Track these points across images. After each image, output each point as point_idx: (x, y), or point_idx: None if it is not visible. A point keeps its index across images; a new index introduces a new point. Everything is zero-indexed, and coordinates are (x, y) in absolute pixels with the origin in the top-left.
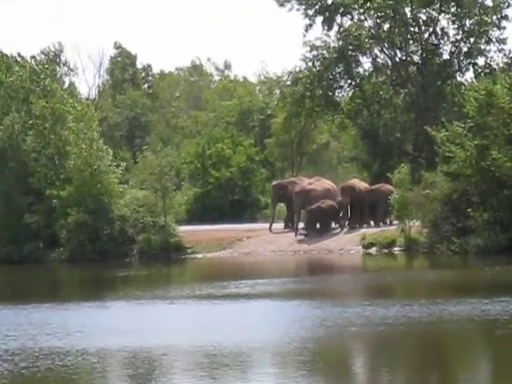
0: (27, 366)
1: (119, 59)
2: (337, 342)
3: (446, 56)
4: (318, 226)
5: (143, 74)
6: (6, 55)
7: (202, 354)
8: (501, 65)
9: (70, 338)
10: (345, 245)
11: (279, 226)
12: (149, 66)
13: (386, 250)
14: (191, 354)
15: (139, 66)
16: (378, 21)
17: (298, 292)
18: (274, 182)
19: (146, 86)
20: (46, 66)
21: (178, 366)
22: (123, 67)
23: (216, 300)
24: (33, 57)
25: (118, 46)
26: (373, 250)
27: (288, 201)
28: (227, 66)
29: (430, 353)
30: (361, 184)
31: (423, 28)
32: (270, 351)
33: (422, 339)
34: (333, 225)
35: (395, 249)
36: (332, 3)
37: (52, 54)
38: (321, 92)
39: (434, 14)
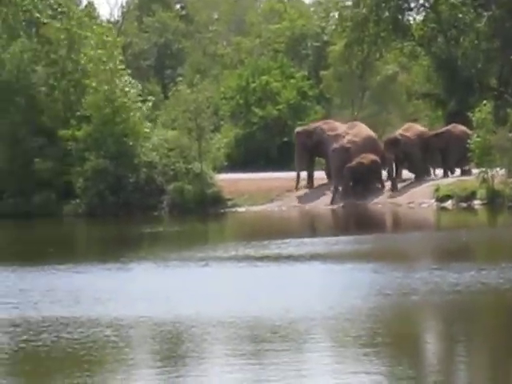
0: (29, 339)
1: None
2: (394, 313)
3: None
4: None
5: None
6: None
7: (238, 327)
8: None
9: (81, 305)
10: (415, 197)
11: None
12: None
13: (464, 204)
14: (224, 325)
15: None
16: None
17: (355, 253)
18: (299, 129)
19: (178, 6)
20: None
21: (208, 341)
22: None
23: (257, 262)
24: None
25: None
26: (448, 204)
27: (319, 152)
28: None
29: (506, 327)
30: (415, 130)
31: None
32: (318, 324)
33: (497, 310)
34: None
35: (475, 202)
36: None
37: None
38: (387, 14)
39: None
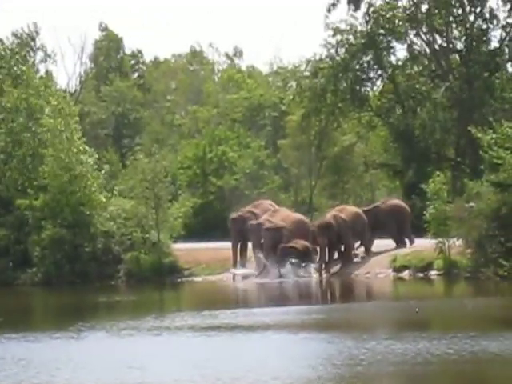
0: None
1: (104, 43)
2: (338, 382)
3: (494, 43)
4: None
5: (132, 62)
6: None
7: None
8: None
9: (27, 373)
10: (372, 268)
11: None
12: (139, 51)
13: (421, 274)
14: None
15: (127, 51)
16: (415, 0)
17: (309, 323)
18: (233, 215)
19: (135, 75)
20: (16, 51)
21: None
22: (108, 53)
23: (212, 331)
24: (0, 40)
25: (103, 28)
26: (405, 274)
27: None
28: (237, 53)
29: None
30: (348, 211)
31: (468, 9)
32: None
33: (442, 379)
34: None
35: (432, 272)
36: None
37: (26, 36)
38: (345, 85)
39: None
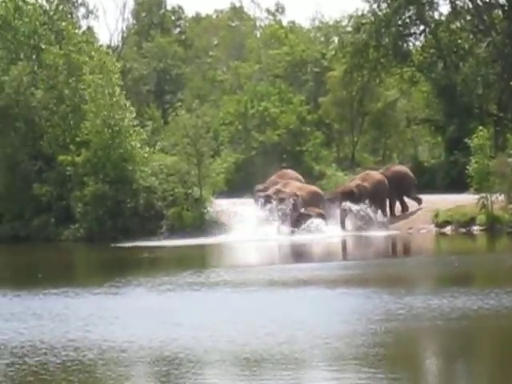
0: (13, 362)
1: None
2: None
3: None
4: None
5: (173, 18)
6: None
7: (231, 351)
8: None
9: (66, 328)
10: (414, 223)
11: None
12: (180, 7)
13: (463, 230)
14: (218, 350)
15: (168, 7)
16: None
17: (347, 278)
18: (259, 186)
19: (177, 31)
20: (61, 7)
21: (205, 364)
22: (150, 9)
23: (252, 287)
24: None
25: None
26: (448, 229)
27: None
28: (279, 9)
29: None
30: (372, 179)
31: None
32: (314, 347)
33: (490, 334)
34: None
35: (475, 228)
36: None
37: None
38: (388, 40)
39: None
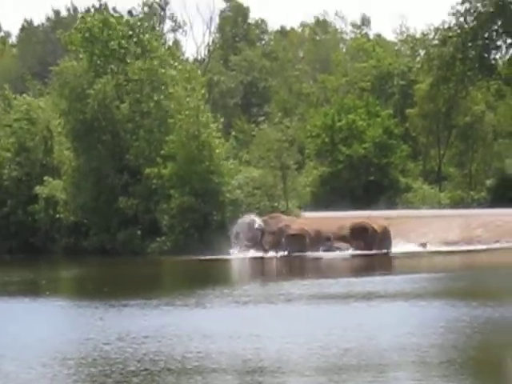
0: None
1: (229, 13)
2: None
3: None
4: None
5: (257, 32)
6: (104, 8)
7: (326, 358)
8: None
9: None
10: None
11: None
12: (262, 21)
13: None
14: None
15: (251, 21)
16: None
17: (432, 292)
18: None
19: (261, 44)
20: (145, 21)
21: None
22: (235, 23)
23: (335, 299)
24: (129, 11)
25: None
26: None
27: None
28: (365, 22)
29: None
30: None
31: None
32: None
33: None
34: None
35: None
36: None
37: (156, 5)
38: (474, 53)
39: None
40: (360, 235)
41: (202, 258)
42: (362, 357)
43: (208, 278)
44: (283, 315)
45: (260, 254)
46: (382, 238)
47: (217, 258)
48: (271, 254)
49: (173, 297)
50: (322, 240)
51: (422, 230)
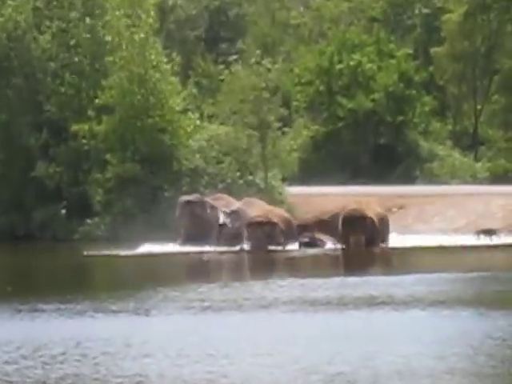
0: None
1: None
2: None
3: None
4: None
5: None
6: None
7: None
8: None
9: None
10: None
11: None
12: None
13: None
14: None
15: None
16: None
17: (458, 297)
18: None
19: None
20: None
21: None
22: None
23: (324, 306)
24: None
25: None
26: None
27: None
28: None
29: None
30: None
31: None
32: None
33: None
34: None
35: None
36: None
37: None
38: None
39: None
40: (356, 228)
41: (144, 248)
42: None
43: (151, 275)
44: (252, 326)
45: (211, 248)
46: (381, 230)
47: (164, 250)
48: (225, 248)
49: (103, 300)
50: (298, 231)
51: (450, 212)
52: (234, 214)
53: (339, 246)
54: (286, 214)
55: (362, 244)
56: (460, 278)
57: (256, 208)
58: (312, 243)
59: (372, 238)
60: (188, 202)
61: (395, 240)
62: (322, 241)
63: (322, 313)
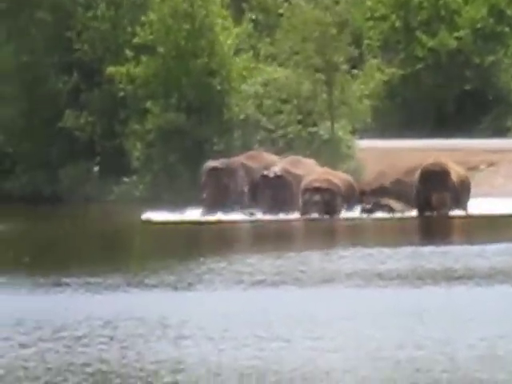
0: None
1: None
2: None
3: None
4: None
5: None
6: None
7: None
8: None
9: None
10: None
11: None
12: None
13: None
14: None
15: None
16: None
17: None
18: None
19: None
20: None
21: None
22: None
23: (396, 280)
24: None
25: None
26: None
27: None
28: None
29: None
30: None
31: None
32: None
33: None
34: None
35: None
36: None
37: None
38: None
39: None
40: (438, 185)
41: (189, 214)
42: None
43: (197, 244)
44: (310, 303)
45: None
46: (461, 193)
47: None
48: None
49: (139, 273)
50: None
51: None
52: (278, 179)
53: (413, 210)
54: (346, 176)
55: (447, 204)
56: None
57: (306, 169)
58: (376, 209)
59: (457, 197)
60: (214, 169)
61: (480, 205)
62: (389, 206)
63: (391, 288)
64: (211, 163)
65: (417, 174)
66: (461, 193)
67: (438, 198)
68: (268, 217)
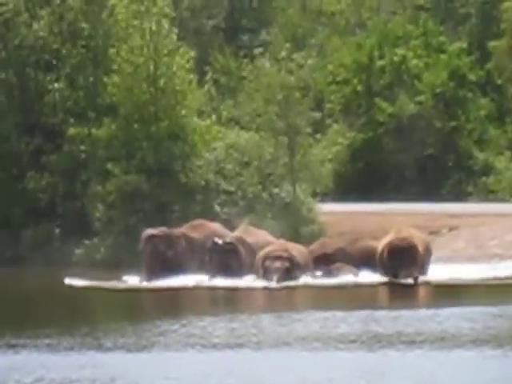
0: None
1: None
2: None
3: None
4: None
5: None
6: None
7: None
8: None
9: None
10: None
11: None
12: None
13: None
14: None
15: None
16: None
17: None
18: None
19: None
20: None
21: None
22: None
23: (351, 344)
24: None
25: None
26: None
27: None
28: None
29: None
30: None
31: None
32: None
33: None
34: None
35: None
36: None
37: None
38: None
39: None
40: (406, 260)
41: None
42: None
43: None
44: (264, 366)
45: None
46: (425, 261)
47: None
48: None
49: (89, 334)
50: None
51: (509, 236)
52: (228, 246)
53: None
54: (300, 247)
55: (415, 278)
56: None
57: (258, 238)
58: (329, 275)
59: (423, 268)
60: (151, 237)
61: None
62: (340, 272)
63: (347, 351)
64: (149, 231)
65: (384, 250)
66: (425, 262)
67: (407, 274)
68: (218, 282)
